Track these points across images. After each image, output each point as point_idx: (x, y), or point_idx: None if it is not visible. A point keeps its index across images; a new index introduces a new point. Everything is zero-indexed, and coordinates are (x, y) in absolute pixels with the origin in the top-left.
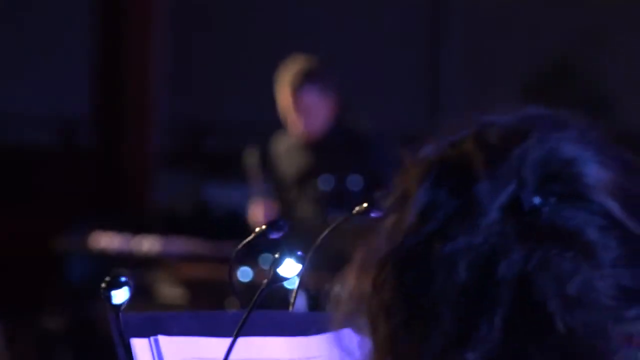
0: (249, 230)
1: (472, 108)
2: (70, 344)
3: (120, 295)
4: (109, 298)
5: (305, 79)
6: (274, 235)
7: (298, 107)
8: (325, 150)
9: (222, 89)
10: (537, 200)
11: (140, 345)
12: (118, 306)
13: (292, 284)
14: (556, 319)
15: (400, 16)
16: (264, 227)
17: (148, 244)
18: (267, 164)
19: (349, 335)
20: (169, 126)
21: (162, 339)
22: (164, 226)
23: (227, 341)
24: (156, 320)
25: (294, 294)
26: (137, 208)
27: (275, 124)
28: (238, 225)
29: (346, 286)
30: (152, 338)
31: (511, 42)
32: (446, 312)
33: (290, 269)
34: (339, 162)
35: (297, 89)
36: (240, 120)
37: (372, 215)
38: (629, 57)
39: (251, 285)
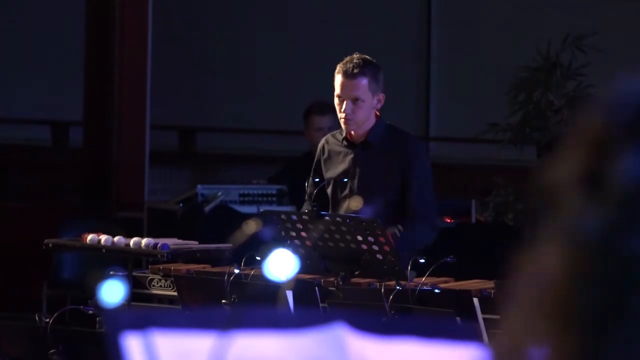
0: (240, 228)
1: (464, 109)
2: (63, 341)
3: (113, 293)
4: (102, 295)
5: (359, 69)
6: (266, 236)
7: (347, 95)
8: (371, 147)
9: (214, 89)
10: None
11: (133, 342)
12: (111, 303)
13: (284, 281)
14: None
15: (389, 15)
16: (258, 227)
17: (140, 242)
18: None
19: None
20: (160, 126)
21: (155, 335)
22: (157, 225)
23: (219, 337)
24: (149, 316)
25: (285, 292)
26: (129, 207)
27: (270, 124)
28: (230, 223)
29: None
30: (145, 334)
31: (500, 39)
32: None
33: (280, 268)
34: (384, 159)
35: (349, 77)
36: (230, 120)
37: (365, 214)
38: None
39: (244, 283)
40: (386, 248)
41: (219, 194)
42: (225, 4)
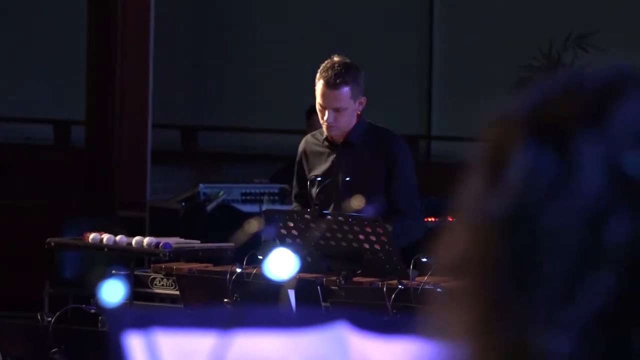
0: (242, 227)
1: (465, 108)
2: (65, 341)
3: (113, 293)
4: (103, 295)
5: (340, 78)
6: (268, 235)
7: (329, 105)
8: (353, 147)
9: (216, 88)
10: (637, 162)
11: (135, 341)
12: (111, 303)
13: (285, 280)
14: None
15: (391, 15)
16: (260, 226)
17: (142, 241)
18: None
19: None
20: (162, 125)
21: (157, 334)
22: (159, 223)
23: (221, 336)
24: (151, 315)
25: (287, 291)
26: (131, 206)
27: (268, 123)
28: (232, 222)
29: (447, 250)
30: (147, 333)
31: (501, 38)
32: (554, 270)
33: (280, 268)
34: (367, 159)
35: (331, 88)
36: (232, 119)
37: (366, 213)
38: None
39: (246, 282)
40: (388, 247)
41: (221, 193)
42: (227, 4)
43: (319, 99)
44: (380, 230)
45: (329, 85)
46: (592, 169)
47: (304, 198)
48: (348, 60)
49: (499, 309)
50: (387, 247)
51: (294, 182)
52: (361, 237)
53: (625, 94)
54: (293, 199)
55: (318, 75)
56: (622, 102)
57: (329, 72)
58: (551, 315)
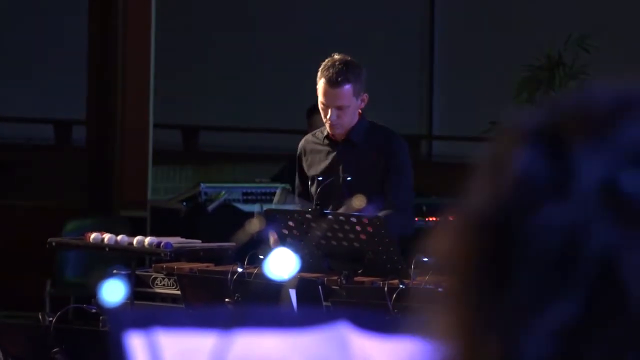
0: (243, 227)
1: (467, 108)
2: (66, 340)
3: (114, 292)
4: (103, 295)
5: (342, 76)
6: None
7: (332, 103)
8: (354, 145)
9: (217, 88)
10: (637, 183)
11: (136, 340)
12: (112, 303)
13: (286, 280)
14: (636, 304)
15: (392, 14)
16: (261, 226)
17: (144, 241)
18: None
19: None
20: (163, 125)
21: (159, 334)
22: (160, 223)
23: (222, 335)
24: (152, 315)
25: (288, 290)
26: (132, 206)
27: (267, 123)
28: (233, 222)
29: (436, 248)
30: (148, 333)
31: (503, 38)
32: (525, 277)
33: (281, 267)
34: (368, 157)
35: (333, 86)
36: (233, 119)
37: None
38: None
39: (247, 282)
40: (389, 247)
41: (222, 192)
42: (228, 4)
43: (321, 98)
44: (381, 230)
45: (331, 83)
46: (586, 181)
47: (308, 195)
48: (349, 58)
49: (480, 310)
50: (388, 246)
51: (297, 181)
52: (362, 236)
53: (630, 115)
54: (297, 197)
55: (319, 73)
56: (627, 122)
57: (330, 71)
58: (521, 322)
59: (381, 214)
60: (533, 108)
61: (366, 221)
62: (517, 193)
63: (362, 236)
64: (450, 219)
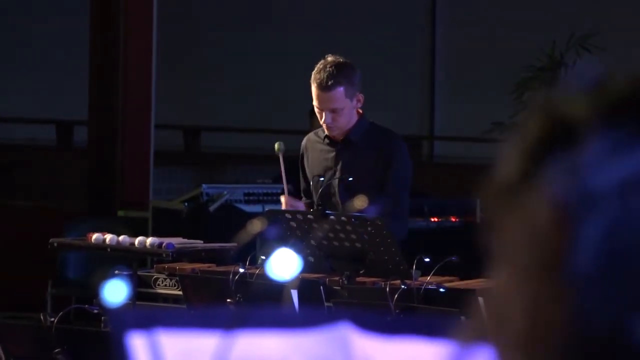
0: (245, 227)
1: (468, 108)
2: (68, 341)
3: (116, 293)
4: (105, 295)
5: (333, 79)
6: (271, 236)
7: (325, 107)
8: (353, 145)
9: (219, 88)
10: None
11: (138, 341)
12: (114, 303)
13: (288, 281)
14: None
15: (393, 15)
16: (263, 227)
17: (145, 242)
18: (295, 168)
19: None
20: (164, 125)
21: (160, 335)
22: (162, 224)
23: (224, 336)
24: (154, 316)
25: (290, 291)
26: (134, 206)
27: (268, 123)
28: (234, 223)
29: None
30: (150, 333)
31: (504, 39)
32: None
33: (283, 268)
34: (366, 157)
35: (324, 90)
36: (235, 119)
37: (369, 212)
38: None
39: (249, 282)
40: (391, 247)
41: (224, 193)
42: (229, 6)
43: (315, 101)
44: (383, 231)
45: (322, 87)
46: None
47: (310, 193)
48: (341, 60)
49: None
50: (389, 247)
51: (301, 180)
52: (364, 237)
53: None
54: (302, 194)
55: (312, 77)
56: None
57: (321, 74)
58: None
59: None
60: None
61: (368, 222)
62: (600, 174)
63: (364, 237)
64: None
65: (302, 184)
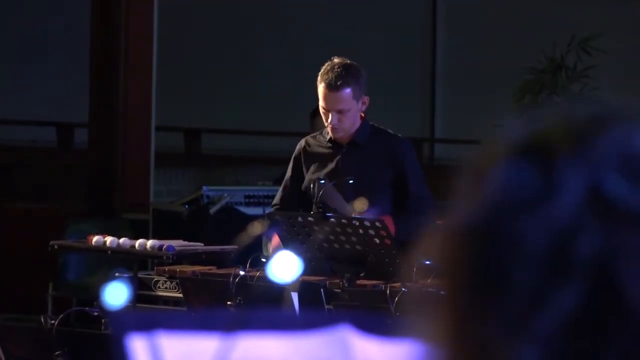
0: (245, 230)
1: (469, 110)
2: (68, 343)
3: (116, 295)
4: (106, 298)
5: (341, 80)
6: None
7: (332, 107)
8: (359, 148)
9: (219, 90)
10: (620, 187)
11: (138, 343)
12: (115, 306)
13: (289, 283)
14: (635, 304)
15: (394, 17)
16: (264, 229)
17: (146, 244)
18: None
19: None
20: (165, 127)
21: (161, 337)
22: (162, 226)
23: (224, 338)
24: (155, 318)
25: (290, 293)
26: (135, 208)
27: (267, 125)
28: (235, 225)
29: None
30: (150, 336)
31: (505, 41)
32: (521, 281)
33: (284, 271)
34: (373, 161)
35: (333, 90)
36: (236, 121)
37: (370, 214)
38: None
39: (249, 285)
40: (391, 249)
41: (225, 195)
42: (230, 7)
43: (321, 102)
44: (383, 233)
45: (331, 87)
46: (572, 187)
47: (286, 204)
48: (348, 61)
49: (470, 315)
50: (390, 249)
51: (281, 186)
52: (365, 239)
53: (609, 126)
54: (279, 197)
55: (319, 78)
56: (607, 132)
57: (330, 75)
58: (519, 325)
59: (400, 218)
60: (535, 110)
61: (368, 224)
62: (505, 200)
63: (364, 239)
64: (441, 224)
65: (286, 188)
